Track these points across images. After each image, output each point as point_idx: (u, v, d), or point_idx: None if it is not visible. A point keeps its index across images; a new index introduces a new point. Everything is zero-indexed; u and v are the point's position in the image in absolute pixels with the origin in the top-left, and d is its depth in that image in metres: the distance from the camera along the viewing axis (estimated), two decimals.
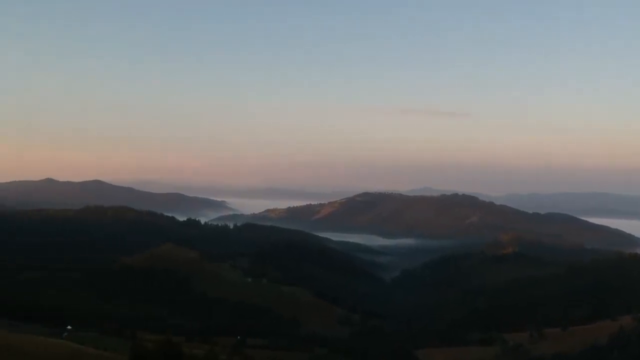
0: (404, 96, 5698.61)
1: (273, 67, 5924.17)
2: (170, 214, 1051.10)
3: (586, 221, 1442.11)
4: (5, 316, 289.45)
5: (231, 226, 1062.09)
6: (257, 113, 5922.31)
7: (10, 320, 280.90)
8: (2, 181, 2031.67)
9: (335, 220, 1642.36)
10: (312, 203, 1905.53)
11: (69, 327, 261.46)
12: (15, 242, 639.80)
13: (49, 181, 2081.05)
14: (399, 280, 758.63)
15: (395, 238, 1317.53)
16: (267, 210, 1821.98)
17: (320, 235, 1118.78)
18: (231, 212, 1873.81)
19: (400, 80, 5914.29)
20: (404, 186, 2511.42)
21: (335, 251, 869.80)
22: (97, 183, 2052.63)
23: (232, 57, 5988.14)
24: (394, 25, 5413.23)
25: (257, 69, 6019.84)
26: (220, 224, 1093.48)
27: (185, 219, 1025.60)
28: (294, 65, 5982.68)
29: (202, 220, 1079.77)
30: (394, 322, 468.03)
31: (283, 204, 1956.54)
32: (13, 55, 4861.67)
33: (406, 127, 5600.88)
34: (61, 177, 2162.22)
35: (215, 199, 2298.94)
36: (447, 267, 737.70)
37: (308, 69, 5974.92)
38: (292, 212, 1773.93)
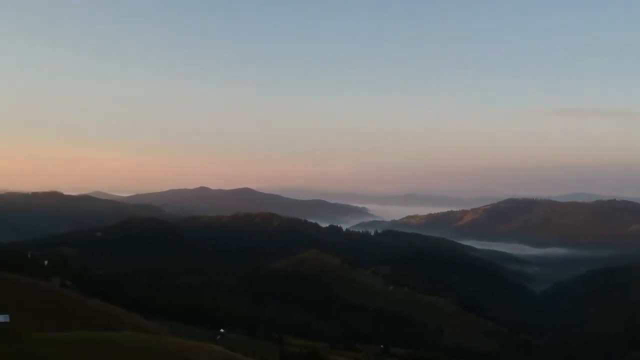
0: (552, 97, 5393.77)
1: (414, 75, 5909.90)
2: (313, 221, 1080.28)
3: None
4: (167, 317, 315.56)
5: (372, 233, 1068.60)
6: (396, 120, 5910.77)
7: (171, 322, 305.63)
8: (161, 190, 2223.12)
9: (478, 228, 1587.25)
10: (454, 209, 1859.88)
11: (222, 330, 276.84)
12: (175, 247, 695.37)
13: (203, 189, 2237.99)
14: (549, 292, 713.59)
15: (545, 247, 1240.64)
16: (408, 217, 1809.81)
17: (462, 243, 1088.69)
18: (372, 219, 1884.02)
19: (547, 80, 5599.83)
20: (554, 191, 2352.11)
21: (479, 260, 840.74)
22: (247, 191, 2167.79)
23: (375, 69, 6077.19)
24: (538, 26, 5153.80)
25: (398, 78, 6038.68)
26: (361, 231, 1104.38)
27: (327, 225, 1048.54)
28: (437, 71, 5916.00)
29: (344, 227, 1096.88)
30: (545, 336, 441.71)
31: (424, 210, 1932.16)
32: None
33: (555, 129, 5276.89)
34: (214, 185, 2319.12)
35: (356, 205, 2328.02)
36: (605, 279, 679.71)
37: (450, 74, 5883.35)
38: (433, 219, 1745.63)
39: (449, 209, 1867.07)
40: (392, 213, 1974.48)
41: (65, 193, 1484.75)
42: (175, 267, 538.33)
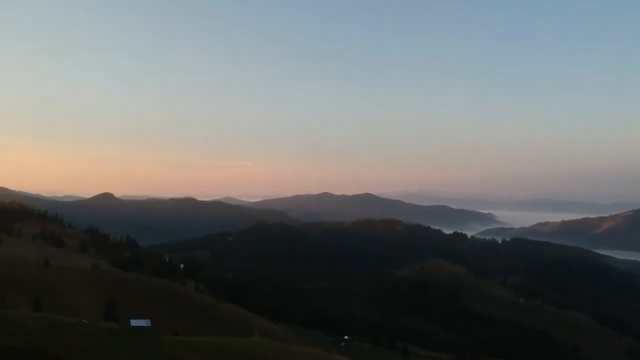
0: None
1: (543, 77, 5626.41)
2: (436, 227, 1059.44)
3: None
4: (292, 322, 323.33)
5: (499, 240, 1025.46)
6: (524, 124, 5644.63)
7: (297, 326, 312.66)
8: (287, 195, 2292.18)
9: (618, 236, 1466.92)
10: (590, 216, 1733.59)
11: (346, 337, 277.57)
12: (299, 252, 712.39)
13: (326, 195, 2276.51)
14: None
15: None
16: (539, 224, 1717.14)
17: (600, 252, 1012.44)
18: (499, 225, 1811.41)
19: None
20: None
21: (620, 271, 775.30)
22: (368, 196, 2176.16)
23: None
24: None
25: (527, 81, 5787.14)
26: (487, 238, 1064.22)
27: (451, 232, 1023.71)
28: (574, 72, 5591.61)
29: (469, 234, 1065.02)
30: None
31: (556, 217, 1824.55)
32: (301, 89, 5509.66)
33: None
34: (336, 191, 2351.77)
35: (481, 211, 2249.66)
36: None
37: (589, 74, 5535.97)
38: (566, 226, 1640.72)
39: (584, 216, 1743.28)
40: (521, 219, 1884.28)
41: (198, 199, 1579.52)
42: (300, 271, 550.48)
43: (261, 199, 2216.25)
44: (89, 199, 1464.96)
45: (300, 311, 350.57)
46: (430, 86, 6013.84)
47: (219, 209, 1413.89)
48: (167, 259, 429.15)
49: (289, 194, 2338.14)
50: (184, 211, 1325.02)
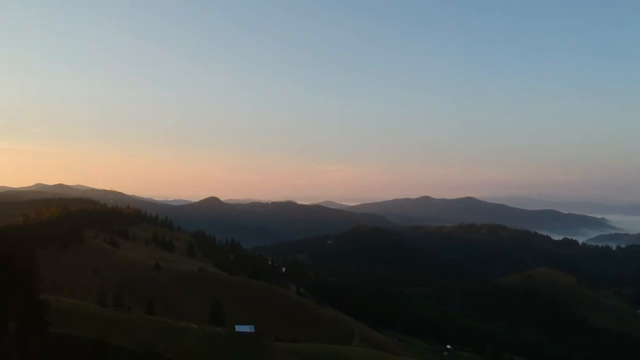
0: None
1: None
2: (544, 232, 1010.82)
3: None
4: (393, 328, 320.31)
5: (613, 247, 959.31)
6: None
7: (397, 333, 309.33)
8: (385, 199, 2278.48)
9: None
10: None
11: (448, 346, 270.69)
12: (399, 257, 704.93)
13: (426, 198, 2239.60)
14: None
15: None
16: None
17: None
18: (613, 231, 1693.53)
19: None
20: None
21: None
22: (470, 200, 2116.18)
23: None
24: None
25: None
26: (600, 245, 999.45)
27: (560, 238, 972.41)
28: None
29: (580, 240, 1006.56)
30: None
31: None
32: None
33: None
34: (436, 194, 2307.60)
35: (593, 215, 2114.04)
36: None
37: None
38: None
39: None
40: (638, 225, 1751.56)
41: (299, 203, 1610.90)
42: (400, 276, 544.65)
43: (360, 203, 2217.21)
44: (196, 202, 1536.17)
45: (399, 317, 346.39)
46: (534, 90, 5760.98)
47: (319, 212, 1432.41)
48: (270, 262, 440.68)
49: (388, 197, 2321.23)
50: (285, 214, 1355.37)
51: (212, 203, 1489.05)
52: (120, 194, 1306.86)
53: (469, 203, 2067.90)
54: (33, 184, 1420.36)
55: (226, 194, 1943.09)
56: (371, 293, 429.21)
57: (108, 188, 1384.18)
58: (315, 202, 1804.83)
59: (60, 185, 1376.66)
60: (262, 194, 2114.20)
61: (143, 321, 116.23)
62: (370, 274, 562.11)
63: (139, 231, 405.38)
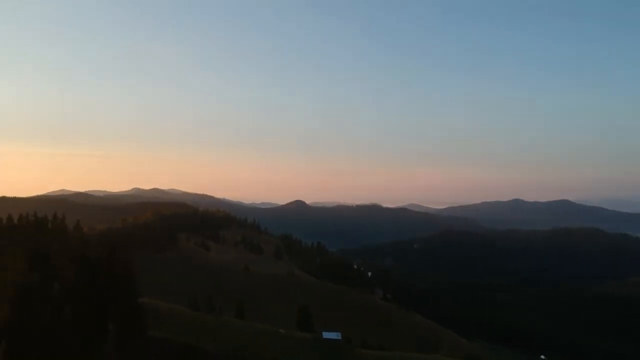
0: None
1: None
2: None
3: None
4: (481, 336, 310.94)
5: None
6: None
7: (486, 341, 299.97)
8: (475, 202, 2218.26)
9: None
10: None
11: (542, 356, 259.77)
12: (489, 262, 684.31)
13: (517, 202, 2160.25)
14: None
15: None
16: None
17: None
18: None
19: None
20: None
21: None
22: (565, 203, 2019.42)
23: None
24: None
25: None
26: None
27: None
28: None
29: None
30: None
31: None
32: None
33: None
34: (529, 197, 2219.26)
35: None
36: None
37: None
38: None
39: None
40: None
41: (384, 205, 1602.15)
42: (489, 283, 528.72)
43: (447, 206, 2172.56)
44: (283, 205, 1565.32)
45: (489, 325, 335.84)
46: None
47: (404, 215, 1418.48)
48: (356, 266, 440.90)
49: (477, 200, 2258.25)
50: (370, 217, 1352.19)
51: (298, 206, 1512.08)
52: (211, 197, 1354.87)
53: (563, 205, 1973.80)
54: (130, 188, 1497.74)
55: (312, 197, 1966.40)
56: (460, 299, 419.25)
57: (199, 192, 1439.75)
58: (401, 204, 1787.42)
59: (156, 190, 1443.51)
60: (347, 197, 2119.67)
61: (233, 326, 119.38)
62: (458, 279, 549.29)
63: (228, 234, 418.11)
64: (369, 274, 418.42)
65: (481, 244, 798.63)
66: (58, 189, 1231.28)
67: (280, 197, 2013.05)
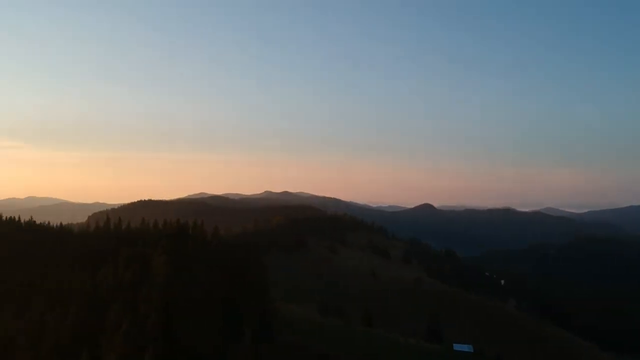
0: None
1: None
2: None
3: None
4: (627, 352, 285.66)
5: None
6: None
7: (631, 356, 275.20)
8: (620, 206, 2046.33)
9: None
10: None
11: None
12: (636, 272, 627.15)
13: None
14: None
15: None
16: None
17: None
18: None
19: None
20: None
21: None
22: None
23: None
24: None
25: None
26: None
27: None
28: None
29: None
30: None
31: None
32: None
33: None
34: None
35: None
36: None
37: None
38: None
39: None
40: None
41: (517, 209, 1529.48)
42: (637, 294, 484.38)
43: (588, 210, 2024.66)
44: (410, 208, 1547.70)
45: (635, 340, 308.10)
46: None
47: (540, 220, 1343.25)
48: (487, 273, 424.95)
49: (622, 204, 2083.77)
50: (502, 222, 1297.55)
51: (425, 209, 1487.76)
52: (338, 200, 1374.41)
53: None
54: (262, 191, 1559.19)
55: (440, 200, 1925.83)
56: (602, 311, 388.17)
57: (327, 195, 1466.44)
58: (535, 208, 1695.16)
59: (285, 193, 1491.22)
60: (477, 201, 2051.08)
61: (362, 334, 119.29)
62: (600, 289, 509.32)
63: (355, 238, 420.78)
64: (502, 282, 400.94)
65: (627, 251, 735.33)
66: (198, 192, 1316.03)
67: (408, 200, 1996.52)
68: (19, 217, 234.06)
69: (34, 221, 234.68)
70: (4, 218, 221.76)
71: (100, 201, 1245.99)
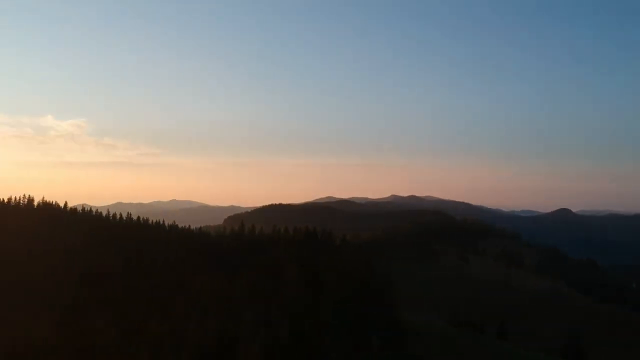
0: None
1: None
2: None
3: None
4: None
5: None
6: None
7: None
8: None
9: None
10: None
11: None
12: None
13: None
14: None
15: None
16: None
17: None
18: None
19: None
20: None
21: None
22: None
23: None
24: None
25: None
26: None
27: None
28: None
29: None
30: None
31: None
32: None
33: None
34: None
35: None
36: None
37: None
38: None
39: None
40: None
41: None
42: None
43: None
44: (546, 213, 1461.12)
45: None
46: None
47: None
48: (635, 285, 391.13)
49: None
50: None
51: (563, 215, 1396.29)
52: (468, 204, 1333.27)
53: None
54: (389, 195, 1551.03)
55: (580, 205, 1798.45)
56: None
57: (456, 199, 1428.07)
58: None
59: (413, 197, 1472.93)
60: (622, 205, 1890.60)
61: (495, 348, 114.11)
62: None
63: (487, 245, 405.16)
64: None
65: None
66: (325, 196, 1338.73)
67: (543, 204, 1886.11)
68: (164, 221, 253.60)
69: (176, 225, 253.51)
70: (151, 222, 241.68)
71: (235, 204, 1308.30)
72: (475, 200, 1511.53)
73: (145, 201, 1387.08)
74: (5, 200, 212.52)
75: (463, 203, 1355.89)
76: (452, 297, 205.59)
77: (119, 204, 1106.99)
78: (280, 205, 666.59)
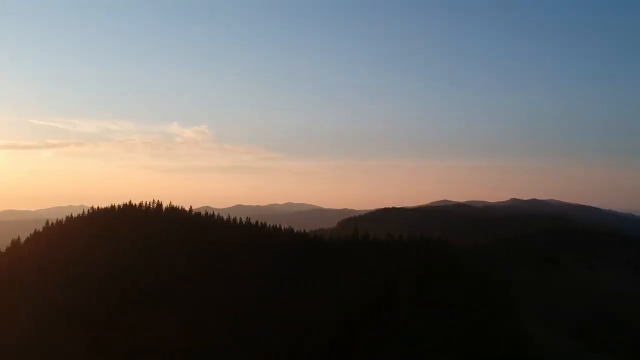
0: None
1: None
2: None
3: None
4: None
5: None
6: None
7: None
8: None
9: None
10: None
11: None
12: None
13: None
14: None
15: None
16: None
17: None
18: None
19: None
20: None
21: None
22: None
23: None
24: None
25: None
26: None
27: None
28: None
29: None
30: None
31: None
32: None
33: None
34: None
35: None
36: None
37: None
38: None
39: None
40: None
41: None
42: None
43: None
44: None
45: None
46: None
47: None
48: None
49: None
50: None
51: None
52: (596, 208, 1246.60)
53: None
54: (508, 198, 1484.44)
55: None
56: None
57: (582, 202, 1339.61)
58: None
59: (534, 200, 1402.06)
60: None
61: None
62: None
63: (617, 253, 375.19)
64: None
65: None
66: (440, 199, 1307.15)
67: None
68: (280, 225, 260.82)
69: (292, 228, 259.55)
70: (268, 226, 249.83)
71: (348, 207, 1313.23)
72: (605, 204, 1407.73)
73: (263, 204, 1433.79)
74: (137, 204, 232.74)
75: (590, 207, 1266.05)
76: (578, 311, 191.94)
77: (239, 206, 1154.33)
78: (394, 209, 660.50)
